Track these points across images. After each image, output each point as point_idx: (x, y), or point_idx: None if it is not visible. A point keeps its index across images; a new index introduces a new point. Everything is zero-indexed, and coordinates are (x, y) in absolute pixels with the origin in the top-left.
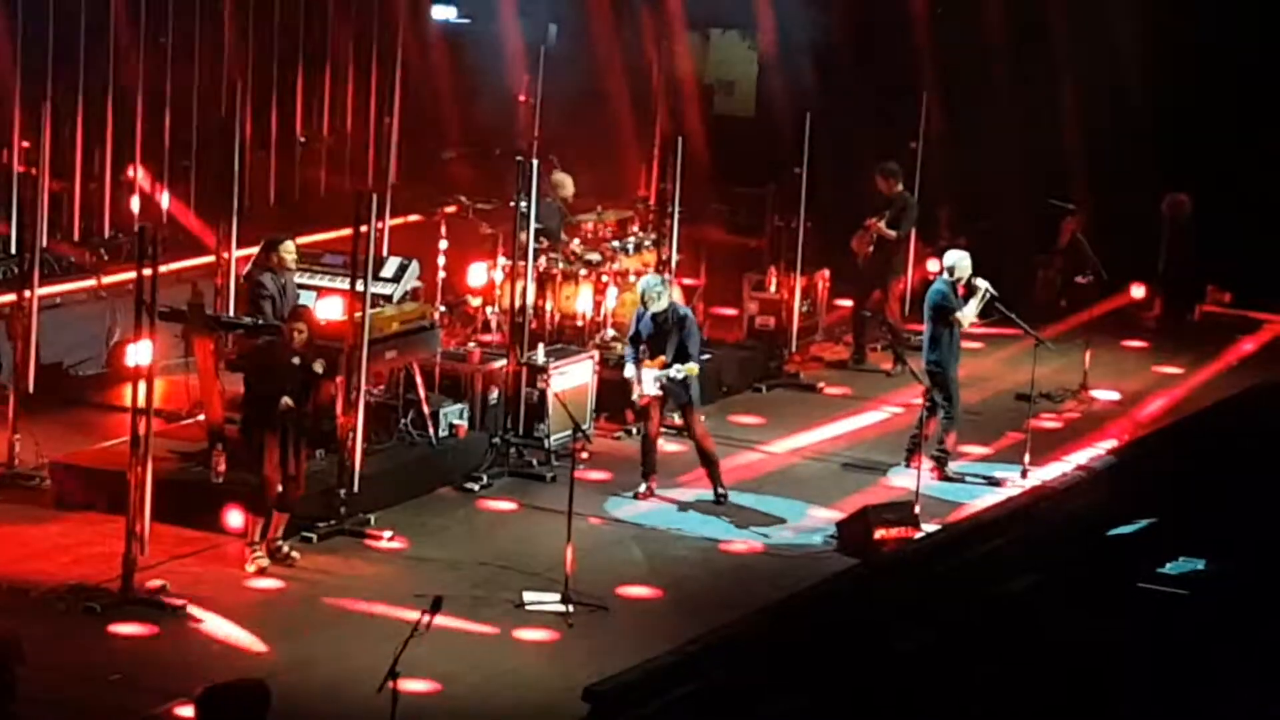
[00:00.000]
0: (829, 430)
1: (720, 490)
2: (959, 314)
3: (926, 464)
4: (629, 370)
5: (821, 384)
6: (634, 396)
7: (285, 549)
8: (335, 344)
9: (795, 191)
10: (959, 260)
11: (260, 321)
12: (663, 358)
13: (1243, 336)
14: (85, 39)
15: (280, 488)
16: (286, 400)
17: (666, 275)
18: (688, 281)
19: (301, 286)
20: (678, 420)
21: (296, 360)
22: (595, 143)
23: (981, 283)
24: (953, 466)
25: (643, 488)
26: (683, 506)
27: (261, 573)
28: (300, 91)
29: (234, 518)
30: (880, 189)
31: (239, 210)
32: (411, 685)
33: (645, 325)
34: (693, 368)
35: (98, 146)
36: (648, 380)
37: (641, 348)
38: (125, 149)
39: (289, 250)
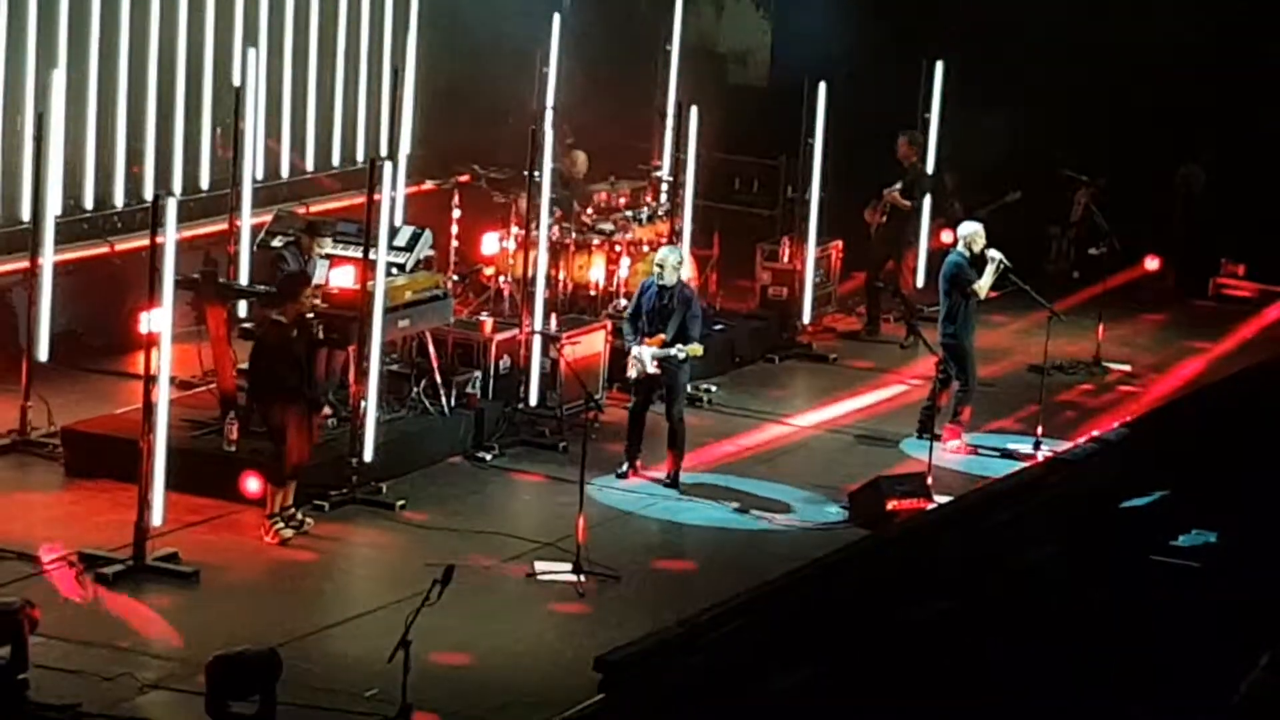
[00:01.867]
0: (842, 402)
1: (673, 475)
2: (975, 286)
3: (941, 435)
4: (633, 348)
5: (834, 355)
6: (632, 374)
7: (299, 515)
8: (348, 312)
9: (808, 162)
10: (974, 231)
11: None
12: (662, 335)
13: (1256, 309)
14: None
15: (298, 457)
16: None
17: (682, 249)
18: (702, 251)
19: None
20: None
21: (294, 332)
22: (609, 112)
23: (995, 254)
24: (966, 439)
25: (625, 467)
26: (691, 479)
27: (284, 544)
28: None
29: (251, 484)
30: (901, 155)
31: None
32: (422, 654)
33: (649, 300)
34: (696, 348)
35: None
36: (646, 358)
37: (640, 323)
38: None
39: (324, 244)
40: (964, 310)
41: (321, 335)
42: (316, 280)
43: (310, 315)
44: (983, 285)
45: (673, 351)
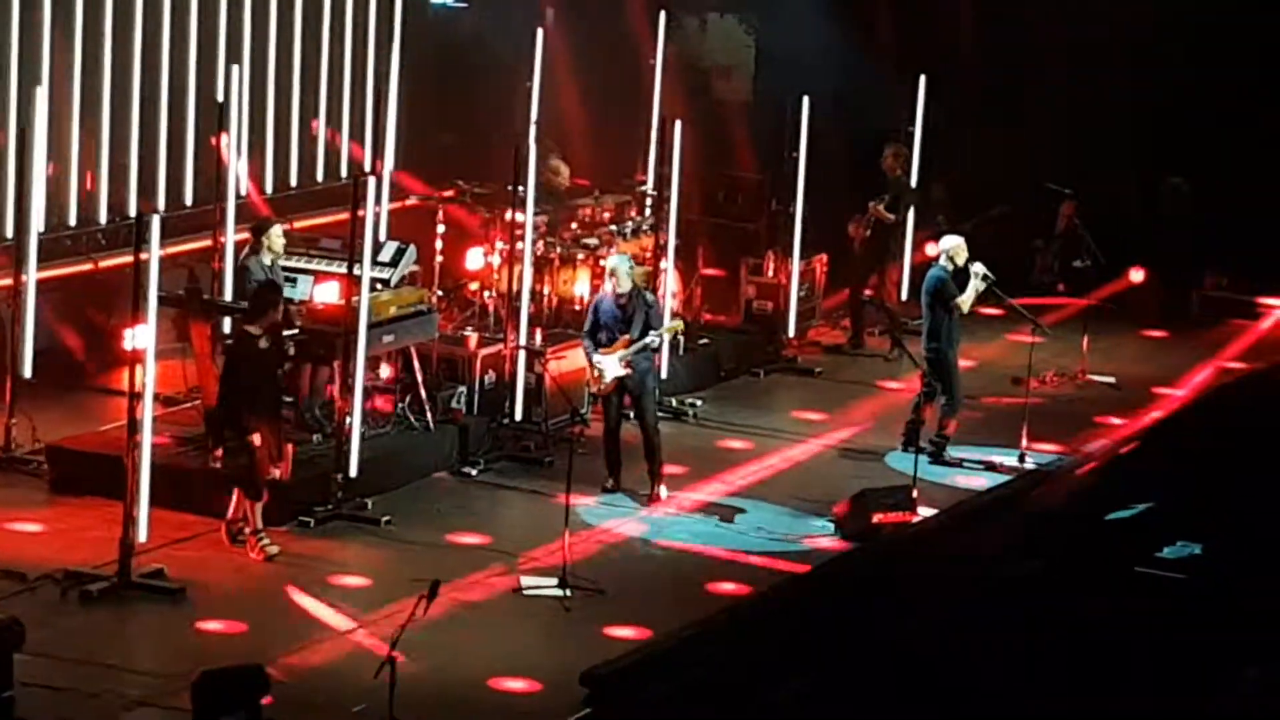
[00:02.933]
0: (827, 415)
1: (656, 489)
2: (958, 300)
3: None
4: (596, 359)
5: (819, 369)
6: (597, 388)
7: (248, 531)
8: (332, 328)
9: (792, 176)
10: (956, 245)
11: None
12: (627, 337)
13: (1240, 320)
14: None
15: (273, 473)
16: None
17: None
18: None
19: (298, 270)
20: (628, 401)
21: (265, 344)
22: (593, 127)
23: (979, 268)
24: (950, 452)
25: (610, 483)
26: (677, 492)
27: (270, 560)
28: (298, 73)
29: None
30: (887, 168)
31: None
32: (409, 670)
33: (606, 311)
34: (677, 324)
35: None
36: (611, 366)
37: (600, 336)
38: (121, 132)
39: (277, 235)
40: (947, 324)
41: (291, 350)
42: (300, 296)
43: (291, 331)
44: (965, 300)
45: (649, 339)
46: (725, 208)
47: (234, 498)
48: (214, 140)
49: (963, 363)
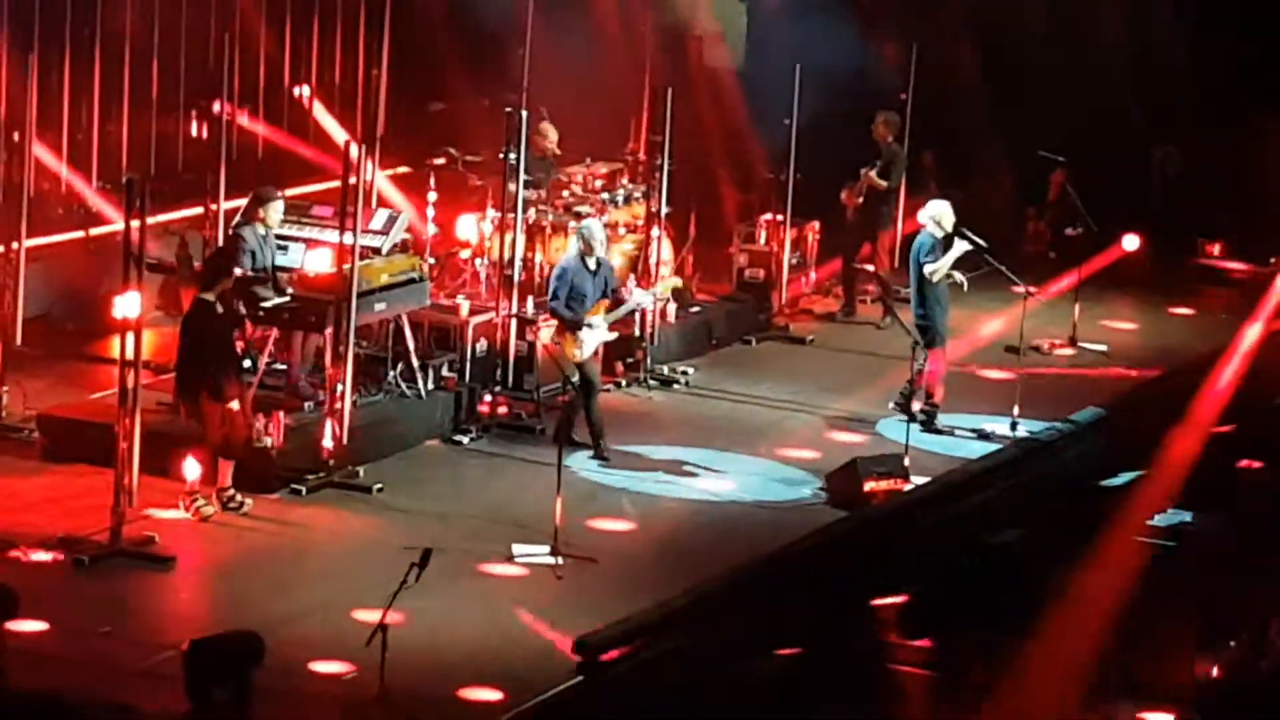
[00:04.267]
0: (819, 383)
1: (606, 446)
2: (929, 267)
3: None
4: (586, 327)
5: (811, 337)
6: (585, 354)
7: (238, 498)
8: (323, 296)
9: (785, 143)
10: (941, 211)
11: (242, 273)
12: (605, 301)
13: (1231, 288)
14: None
15: (225, 435)
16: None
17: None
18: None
19: (290, 239)
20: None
21: (220, 309)
22: (585, 93)
23: (961, 243)
24: (942, 420)
25: (591, 452)
26: (670, 461)
27: (205, 520)
28: (289, 43)
29: (190, 469)
30: (878, 135)
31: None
32: (401, 638)
33: (580, 279)
34: (674, 281)
35: (85, 98)
36: (599, 332)
37: (573, 306)
38: (114, 101)
39: (275, 211)
40: (934, 290)
41: (244, 311)
42: (292, 264)
43: (283, 299)
44: (941, 266)
45: (639, 300)
46: (717, 175)
47: (218, 465)
48: (204, 107)
49: (954, 341)
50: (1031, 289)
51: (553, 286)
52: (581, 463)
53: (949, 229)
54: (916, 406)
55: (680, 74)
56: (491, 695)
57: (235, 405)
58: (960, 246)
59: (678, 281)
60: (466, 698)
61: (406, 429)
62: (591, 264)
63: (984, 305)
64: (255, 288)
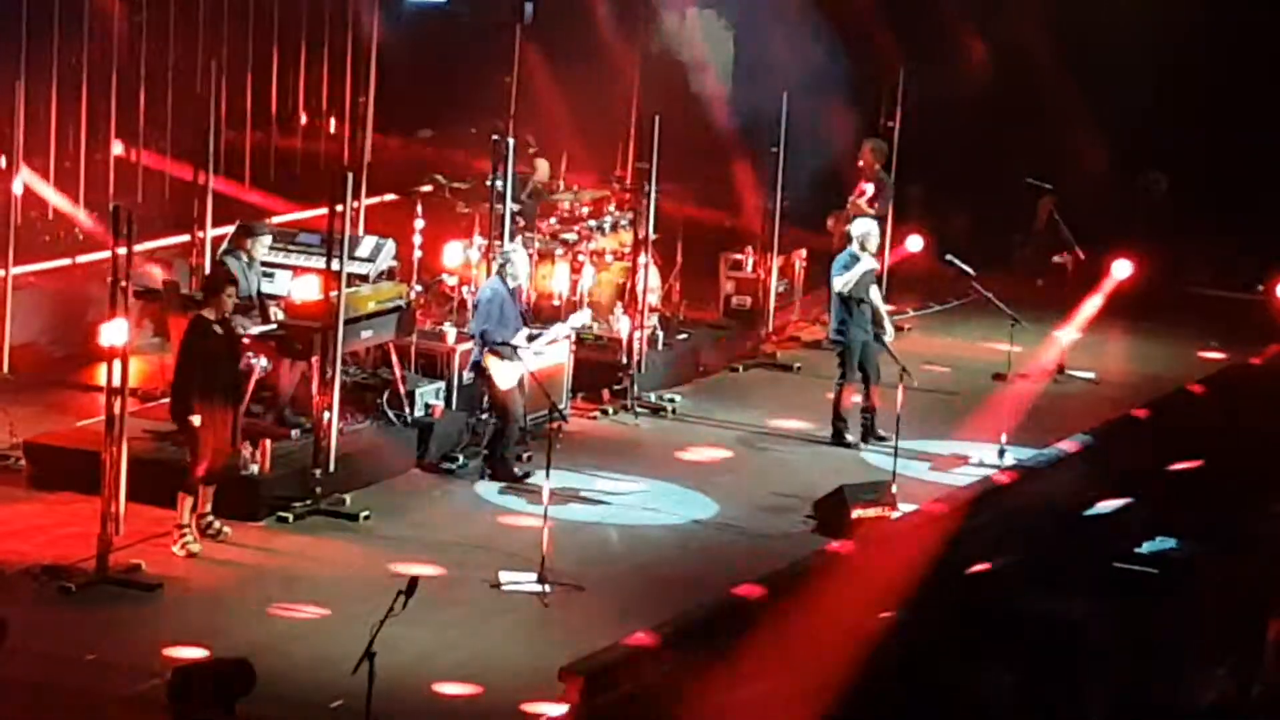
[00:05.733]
0: (804, 410)
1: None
2: (839, 280)
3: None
4: (524, 354)
5: (798, 364)
6: (511, 384)
7: (216, 524)
8: (310, 324)
9: (772, 170)
10: (866, 231)
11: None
12: (528, 332)
13: (1217, 313)
14: (60, 13)
15: (213, 462)
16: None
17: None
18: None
19: (277, 265)
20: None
21: (220, 330)
22: (572, 121)
23: (868, 259)
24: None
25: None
26: (655, 488)
27: (193, 556)
28: (275, 70)
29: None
30: (864, 163)
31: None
32: (387, 666)
33: (507, 306)
34: (585, 314)
35: (72, 125)
36: (529, 358)
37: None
38: (100, 128)
39: (262, 245)
40: (855, 310)
41: (242, 330)
42: (278, 291)
43: (269, 327)
44: (849, 278)
45: (565, 328)
46: (704, 202)
47: (199, 492)
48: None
49: (935, 366)
50: (1019, 317)
51: (484, 311)
52: (567, 491)
53: (872, 250)
54: (882, 432)
55: (668, 101)
56: None
57: (197, 421)
58: (868, 262)
59: (588, 317)
60: None
61: (393, 456)
62: (512, 287)
63: (971, 332)
64: (239, 315)
